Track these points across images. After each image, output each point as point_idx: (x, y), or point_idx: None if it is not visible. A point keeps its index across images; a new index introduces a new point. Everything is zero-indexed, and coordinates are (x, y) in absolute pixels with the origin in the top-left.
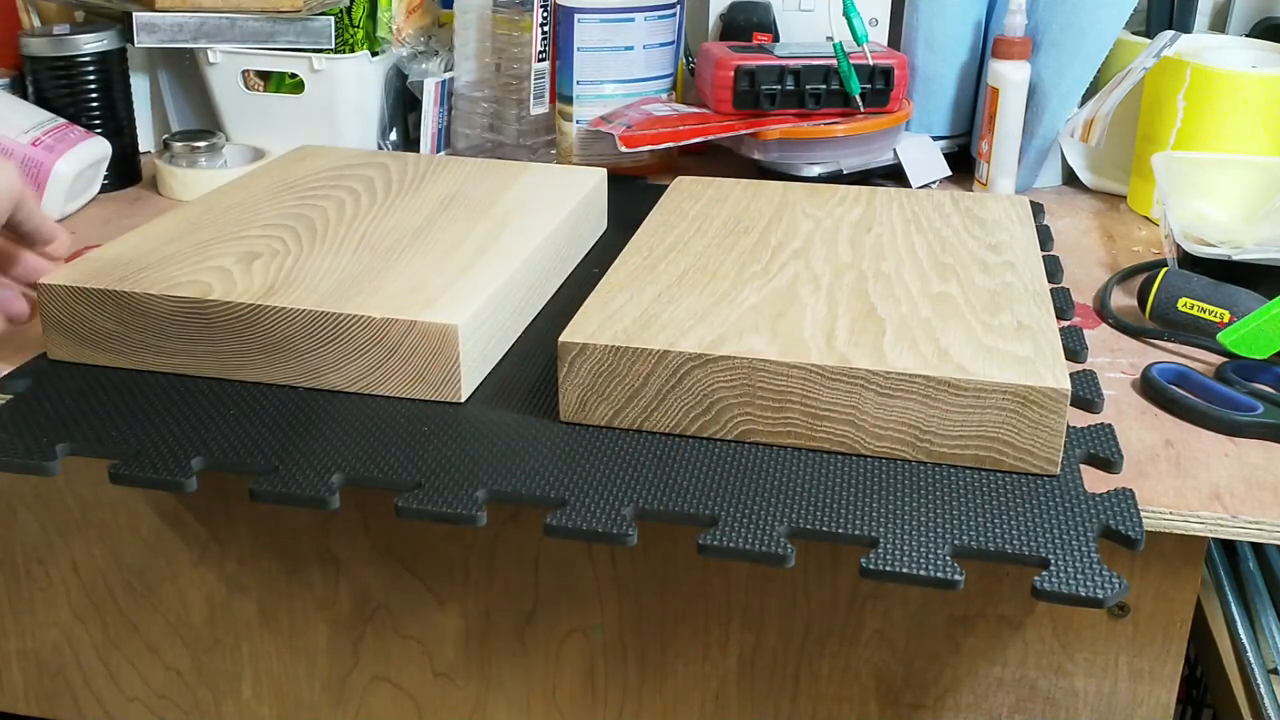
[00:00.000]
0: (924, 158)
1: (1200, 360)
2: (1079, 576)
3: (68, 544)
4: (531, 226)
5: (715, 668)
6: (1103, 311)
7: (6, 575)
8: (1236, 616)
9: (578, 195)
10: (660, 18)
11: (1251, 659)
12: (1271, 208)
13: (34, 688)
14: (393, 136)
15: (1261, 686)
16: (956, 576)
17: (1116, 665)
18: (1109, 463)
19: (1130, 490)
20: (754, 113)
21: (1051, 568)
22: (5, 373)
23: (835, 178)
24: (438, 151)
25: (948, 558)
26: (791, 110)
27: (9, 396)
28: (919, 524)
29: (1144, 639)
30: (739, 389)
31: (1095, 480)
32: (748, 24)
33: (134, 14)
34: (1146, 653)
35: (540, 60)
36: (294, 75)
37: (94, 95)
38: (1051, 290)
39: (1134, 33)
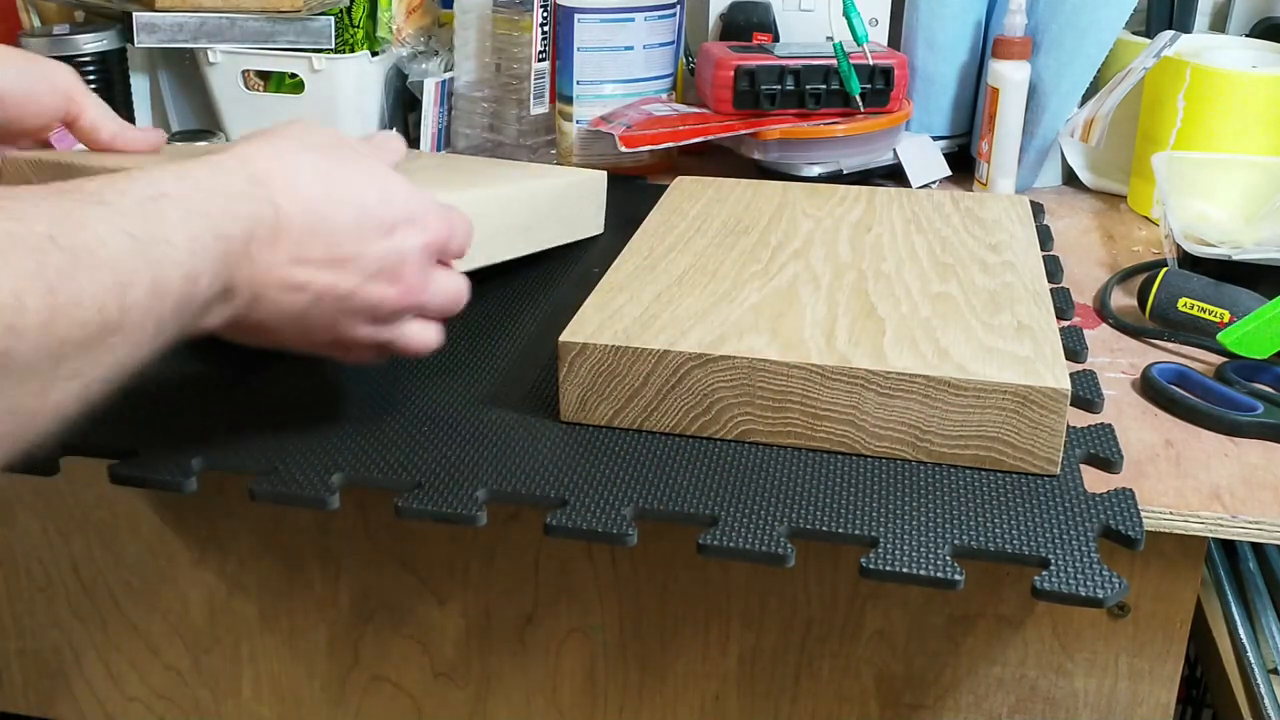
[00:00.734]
0: (924, 158)
1: (1200, 360)
2: (1079, 576)
3: (68, 544)
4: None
5: (715, 668)
6: (1103, 311)
7: (6, 575)
8: (1236, 616)
9: (571, 179)
10: (660, 18)
11: (1251, 659)
12: (1271, 208)
13: (34, 687)
14: None
15: (1261, 686)
16: (956, 576)
17: (1116, 665)
18: (1109, 463)
19: (1130, 490)
20: (754, 113)
21: (1051, 567)
22: None
23: (835, 178)
24: (438, 151)
25: (948, 557)
26: (791, 110)
27: None
28: (919, 524)
29: (1144, 639)
30: (739, 389)
31: (1095, 480)
32: (748, 24)
33: (134, 14)
34: (1146, 652)
35: (540, 60)
36: (294, 75)
37: None
38: (1051, 290)
39: (1134, 33)
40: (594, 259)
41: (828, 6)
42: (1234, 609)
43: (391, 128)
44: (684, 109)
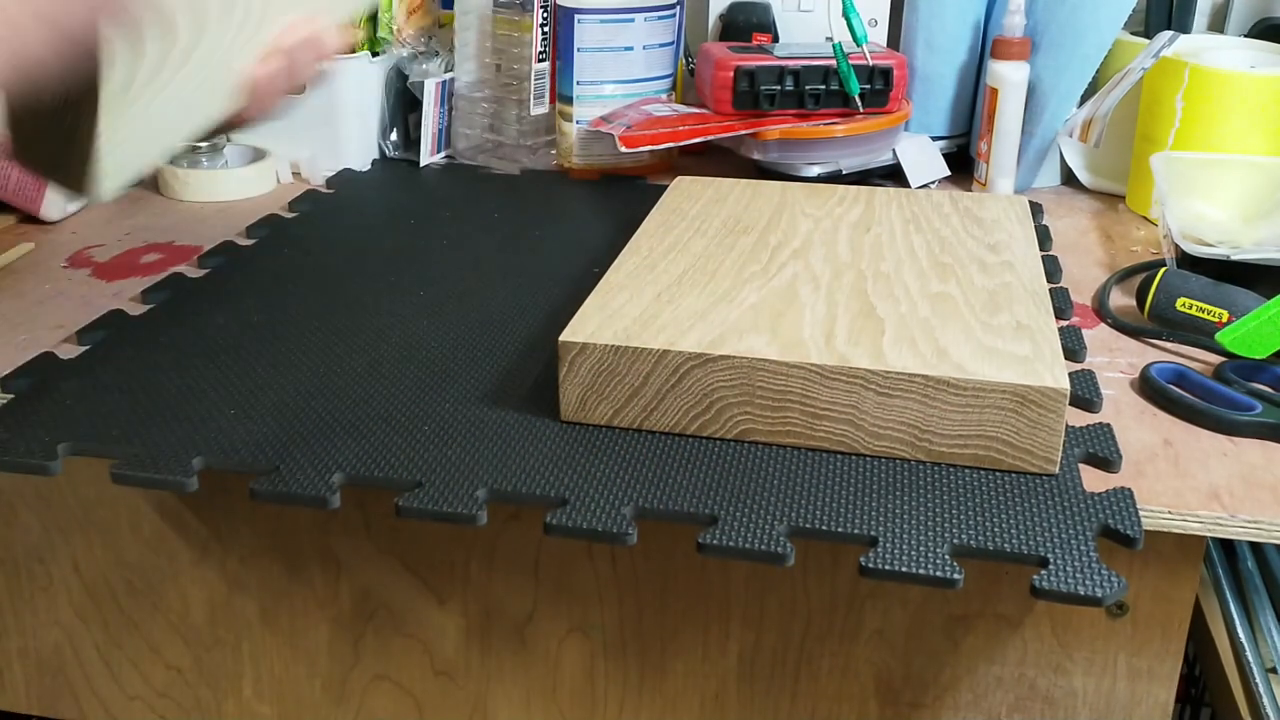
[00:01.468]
0: (923, 158)
1: (1199, 360)
2: (1078, 575)
3: (69, 543)
4: None
5: (715, 667)
6: (1101, 311)
7: (7, 575)
8: (1235, 615)
9: None
10: (660, 18)
11: (1250, 658)
12: (1270, 208)
13: (35, 687)
14: (393, 137)
15: (1260, 685)
16: (956, 575)
17: (1115, 664)
18: (1108, 462)
19: (1129, 489)
20: (754, 113)
21: (1050, 567)
22: (6, 373)
23: (835, 178)
24: (438, 152)
25: (947, 557)
26: (791, 110)
27: (9, 396)
28: (918, 523)
29: (1143, 638)
30: (739, 388)
31: (1094, 479)
32: (747, 24)
33: None
34: (1145, 652)
35: (540, 60)
36: None
37: None
38: (1050, 290)
39: (1133, 33)
40: (594, 259)
41: (827, 7)
42: (1232, 608)
43: (392, 128)
44: (684, 109)
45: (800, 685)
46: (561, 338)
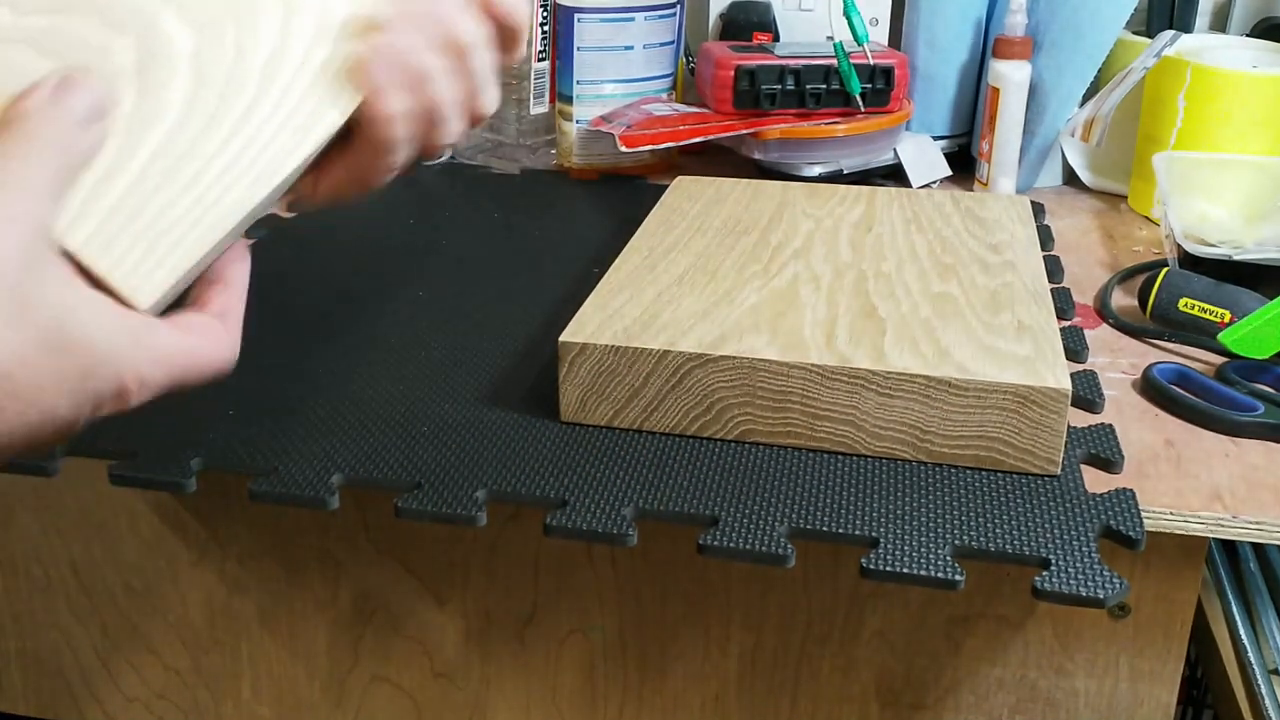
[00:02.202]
0: (924, 157)
1: (1201, 360)
2: (1079, 577)
3: (67, 544)
4: None
5: (715, 668)
6: (1103, 311)
7: (6, 575)
8: (1237, 617)
9: None
10: (660, 17)
11: (1252, 659)
12: (1272, 208)
13: (33, 688)
14: None
15: (1262, 686)
16: (957, 577)
17: (1117, 666)
18: (1109, 463)
19: (1131, 490)
20: (754, 112)
21: (1052, 568)
22: None
23: (835, 177)
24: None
25: (948, 558)
26: (791, 110)
27: None
28: (919, 524)
29: (1145, 639)
30: (739, 389)
31: (1096, 480)
32: (748, 24)
33: None
34: (1147, 653)
35: (540, 60)
36: None
37: None
38: (1052, 290)
39: (1134, 32)
40: (594, 259)
41: (828, 6)
42: (1235, 609)
43: None
44: (684, 109)
45: (801, 687)
46: (561, 338)
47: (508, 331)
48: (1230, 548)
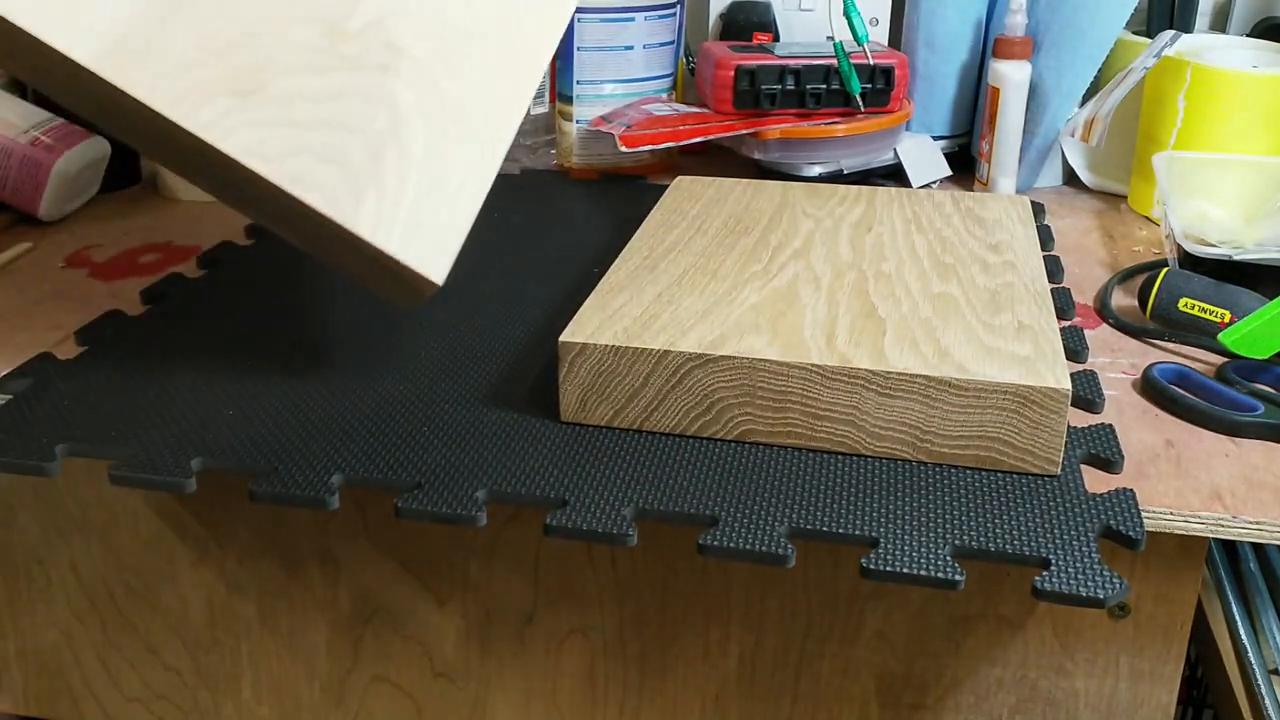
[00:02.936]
0: (924, 157)
1: (1201, 360)
2: (1080, 577)
3: (67, 544)
4: None
5: (715, 668)
6: (1103, 311)
7: (6, 576)
8: (1237, 617)
9: None
10: (660, 17)
11: (1252, 659)
12: (1272, 208)
13: (33, 688)
14: None
15: (1262, 687)
16: (957, 577)
17: (1117, 666)
18: (1109, 463)
19: (1131, 490)
20: (754, 112)
21: (1052, 568)
22: (5, 373)
23: (835, 177)
24: None
25: (948, 558)
26: (791, 110)
27: (9, 396)
28: (919, 524)
29: (1145, 639)
30: (739, 389)
31: (1096, 480)
32: (748, 24)
33: None
34: (1147, 653)
35: None
36: None
37: None
38: (1052, 290)
39: (1134, 32)
40: (594, 259)
41: (828, 6)
42: (1235, 609)
43: None
44: (684, 109)
45: (801, 687)
46: (561, 338)
47: (508, 331)
48: (1230, 548)
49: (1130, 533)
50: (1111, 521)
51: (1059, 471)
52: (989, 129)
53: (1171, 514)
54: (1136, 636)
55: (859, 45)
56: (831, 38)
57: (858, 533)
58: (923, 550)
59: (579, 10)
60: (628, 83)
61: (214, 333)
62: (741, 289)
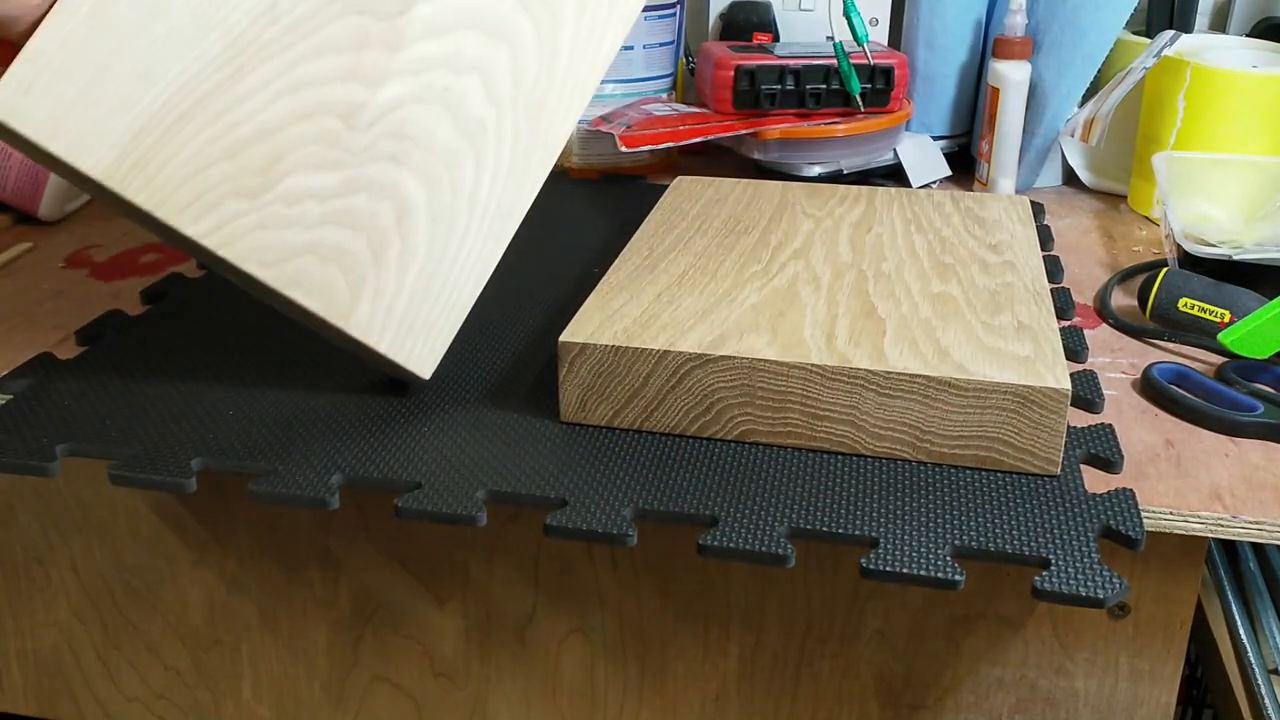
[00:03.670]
0: (924, 157)
1: (1201, 360)
2: (1079, 577)
3: (67, 544)
4: None
5: (715, 668)
6: (1103, 311)
7: (6, 575)
8: (1237, 617)
9: None
10: (660, 18)
11: (1252, 659)
12: (1272, 207)
13: (33, 688)
14: None
15: (1262, 686)
16: (957, 577)
17: (1117, 665)
18: (1109, 463)
19: (1131, 490)
20: (754, 112)
21: (1052, 568)
22: (5, 373)
23: (835, 177)
24: None
25: (948, 558)
26: (791, 110)
27: (9, 396)
28: (919, 524)
29: (1144, 639)
30: (739, 389)
31: (1096, 480)
32: (748, 24)
33: None
34: (1147, 653)
35: None
36: None
37: None
38: (1052, 290)
39: (1134, 32)
40: (594, 259)
41: (828, 6)
42: (1234, 609)
43: None
44: (684, 109)
45: (801, 687)
46: (561, 338)
47: (508, 331)
48: (1230, 548)
49: (1130, 533)
50: (1111, 521)
51: (1059, 471)
52: (989, 129)
53: (1171, 514)
54: (1136, 636)
55: (859, 45)
56: (831, 38)
57: (858, 533)
58: (922, 550)
59: None
60: (627, 83)
61: (214, 332)
62: (741, 289)
